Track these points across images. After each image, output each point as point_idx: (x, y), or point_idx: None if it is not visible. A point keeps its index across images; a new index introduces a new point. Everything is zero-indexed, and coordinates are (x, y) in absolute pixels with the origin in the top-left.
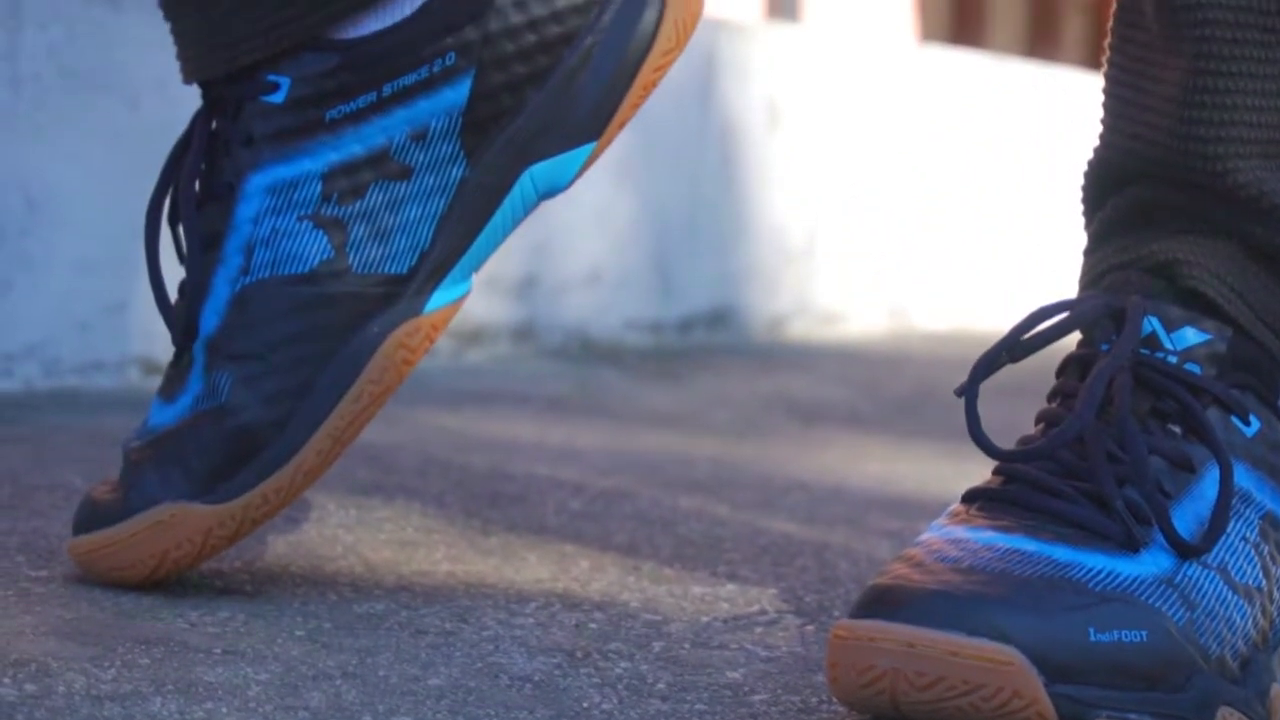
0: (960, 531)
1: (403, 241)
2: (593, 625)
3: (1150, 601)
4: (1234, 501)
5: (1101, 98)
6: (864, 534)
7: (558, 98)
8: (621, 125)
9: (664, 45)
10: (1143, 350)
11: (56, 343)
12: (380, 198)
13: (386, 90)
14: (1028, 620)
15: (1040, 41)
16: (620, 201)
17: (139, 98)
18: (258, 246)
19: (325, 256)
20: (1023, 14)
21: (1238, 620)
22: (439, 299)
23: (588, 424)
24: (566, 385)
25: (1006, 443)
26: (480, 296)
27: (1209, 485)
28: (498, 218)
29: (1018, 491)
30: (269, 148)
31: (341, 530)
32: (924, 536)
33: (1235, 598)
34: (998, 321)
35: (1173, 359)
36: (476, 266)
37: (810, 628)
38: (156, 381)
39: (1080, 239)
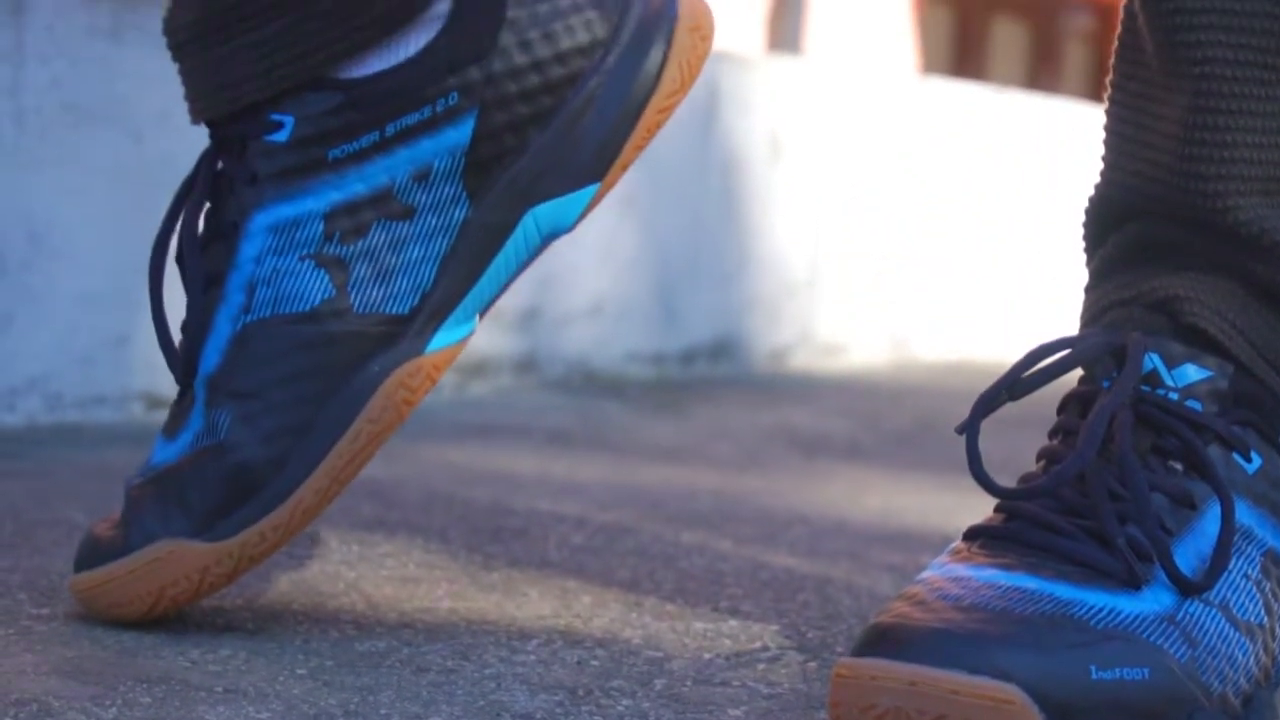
0: (962, 569)
1: (405, 282)
2: (595, 662)
3: (1152, 639)
4: (1236, 538)
5: (1103, 134)
6: (866, 568)
7: (561, 139)
8: (625, 167)
9: (669, 87)
10: (1144, 387)
11: (59, 377)
12: (382, 237)
13: (389, 130)
14: (1029, 658)
15: (1041, 73)
16: (622, 233)
17: (141, 132)
18: (259, 285)
19: (327, 295)
20: (1023, 46)
21: (1240, 657)
22: (441, 339)
23: (590, 457)
24: (569, 418)
25: (1009, 475)
26: (483, 329)
27: (1210, 522)
28: (501, 259)
29: (1019, 529)
30: (272, 186)
31: (344, 566)
32: (925, 574)
33: (1237, 635)
34: (1000, 352)
35: (1174, 396)
36: (481, 307)
37: (812, 664)
38: (159, 416)
39: (1080, 278)
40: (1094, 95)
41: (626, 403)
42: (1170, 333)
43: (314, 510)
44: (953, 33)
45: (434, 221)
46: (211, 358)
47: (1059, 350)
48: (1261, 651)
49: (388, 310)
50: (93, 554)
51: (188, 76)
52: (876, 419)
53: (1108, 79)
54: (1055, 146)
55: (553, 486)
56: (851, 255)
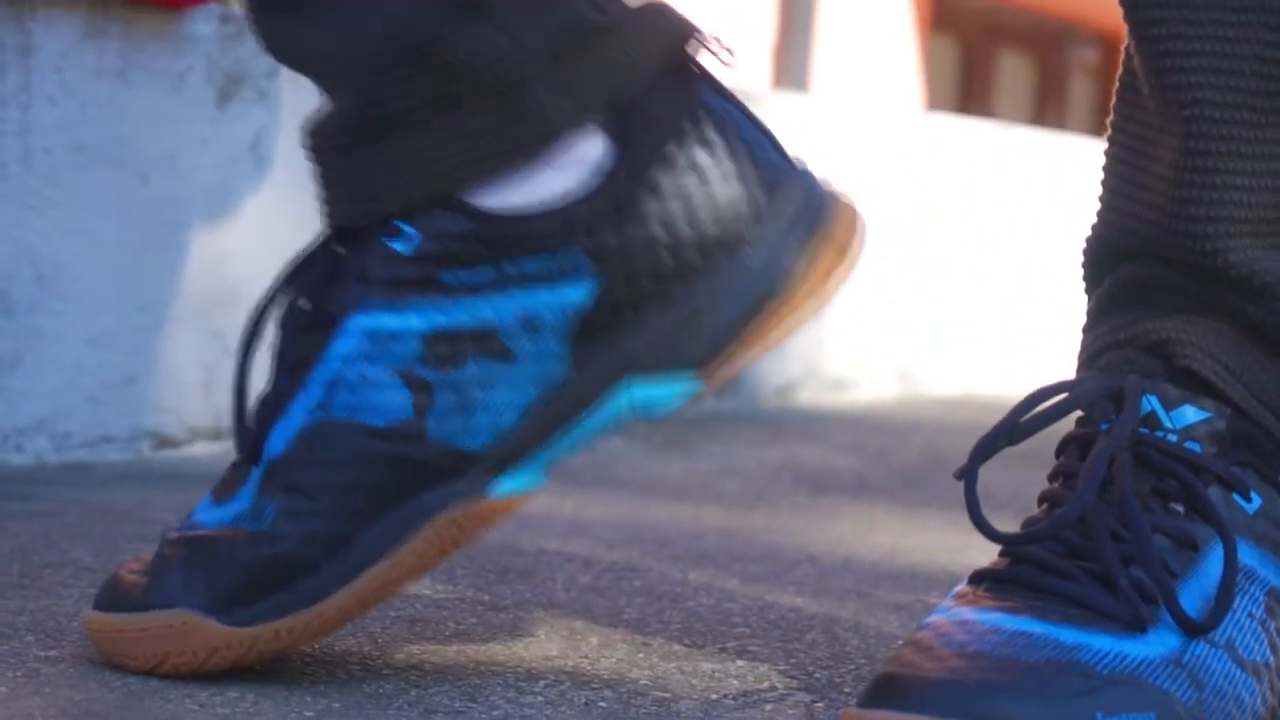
0: (967, 613)
1: (484, 420)
2: (602, 704)
3: (1158, 683)
4: (1239, 578)
5: (1101, 175)
6: (873, 607)
7: (679, 326)
8: (732, 372)
9: (788, 307)
10: (1142, 429)
11: (67, 417)
12: (475, 372)
13: (509, 270)
14: (1034, 707)
15: (1046, 107)
16: None
17: (148, 173)
18: (342, 386)
19: (405, 416)
20: (1029, 80)
21: (1246, 698)
22: (506, 485)
23: (597, 494)
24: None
25: (1014, 511)
26: None
27: (1213, 563)
28: (586, 423)
29: (1024, 572)
30: (381, 292)
31: None
32: (931, 619)
33: (1243, 675)
34: (1007, 386)
35: (1173, 438)
36: (552, 463)
37: (820, 705)
38: (167, 455)
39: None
40: (1100, 129)
41: (633, 439)
42: (1165, 375)
43: (333, 624)
44: (958, 67)
45: (530, 371)
46: (277, 443)
47: (1057, 394)
48: (1268, 691)
49: (460, 445)
50: (112, 597)
51: (326, 180)
52: (884, 455)
53: (1108, 120)
54: (1061, 182)
55: (560, 525)
56: (858, 290)
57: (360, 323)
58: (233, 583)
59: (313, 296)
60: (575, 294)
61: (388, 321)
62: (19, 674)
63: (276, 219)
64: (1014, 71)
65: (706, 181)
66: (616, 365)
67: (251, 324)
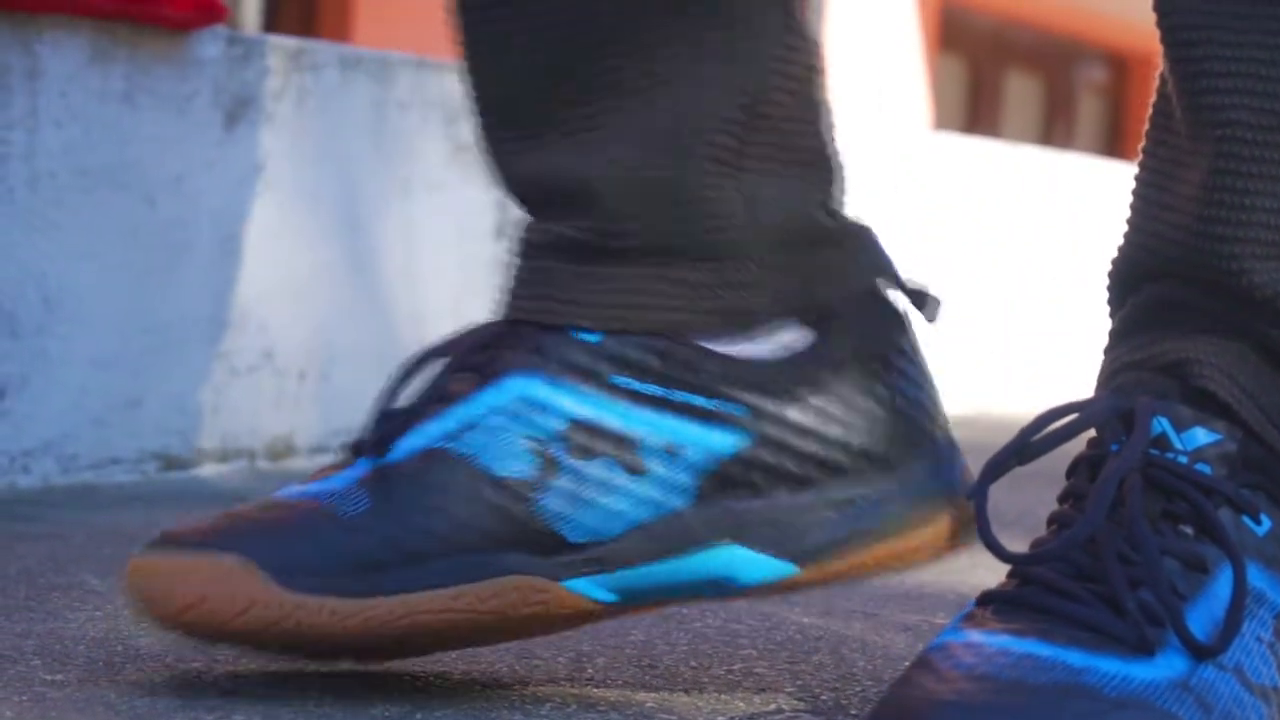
0: (975, 636)
1: (590, 519)
2: None
3: (1166, 706)
4: (1248, 601)
5: (1130, 199)
6: (880, 627)
7: (799, 514)
8: (832, 579)
9: (910, 544)
10: (1153, 451)
11: (73, 439)
12: (601, 473)
13: (673, 396)
14: None
15: (1055, 126)
16: None
17: (154, 196)
18: (477, 429)
19: (522, 477)
20: (1037, 99)
21: None
22: (581, 586)
23: None
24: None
25: (1023, 530)
26: None
27: (1222, 586)
28: (678, 565)
29: (1032, 594)
30: (547, 364)
31: None
32: (939, 641)
33: (1252, 699)
34: (1018, 408)
35: (1183, 459)
36: (627, 590)
37: None
38: (174, 476)
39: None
40: (1108, 147)
41: None
42: (1179, 396)
43: (376, 626)
44: (966, 86)
45: (652, 493)
46: (398, 451)
47: (1067, 414)
48: (1276, 714)
49: (560, 529)
50: (165, 539)
51: (529, 279)
52: None
53: (1140, 146)
54: (1072, 202)
55: None
56: None
57: (516, 383)
58: (298, 550)
59: (478, 352)
60: (723, 441)
61: (541, 392)
62: (25, 698)
63: (283, 241)
64: (1022, 90)
65: (881, 403)
66: (731, 523)
67: (406, 369)
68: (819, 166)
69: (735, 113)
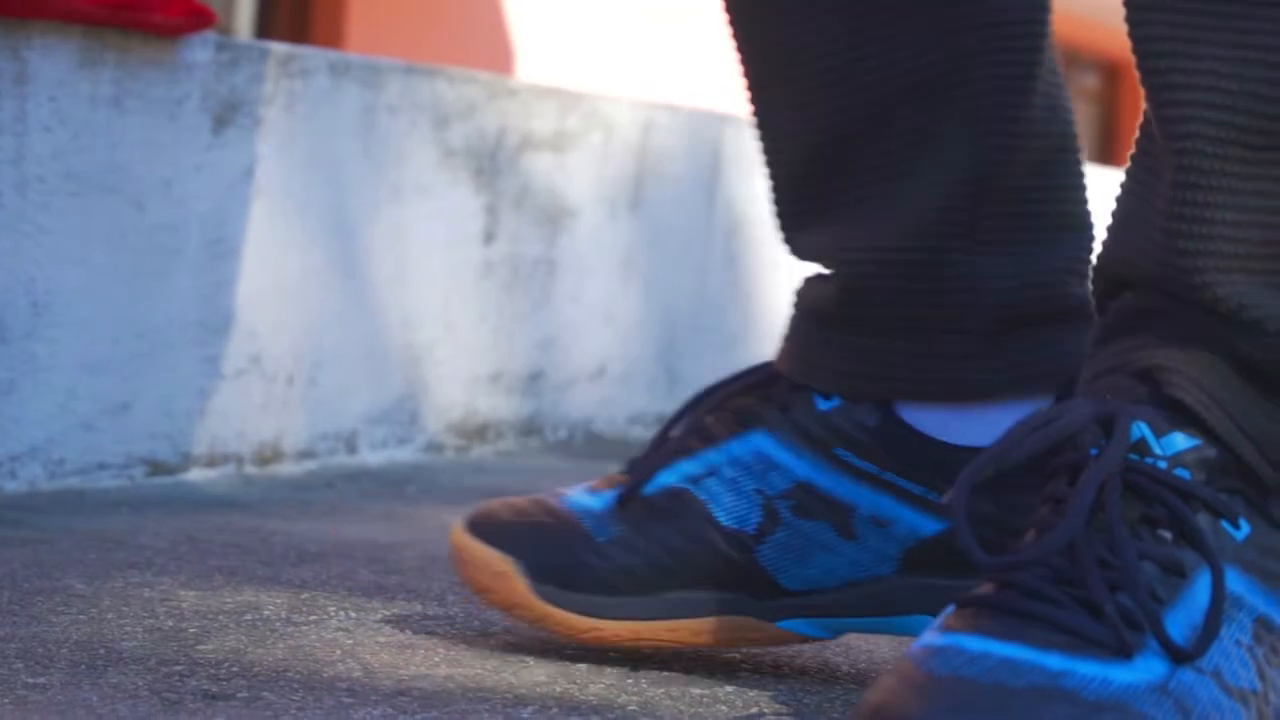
0: (954, 639)
1: (806, 571)
2: None
3: (1144, 709)
4: (1226, 606)
5: (1114, 205)
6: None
7: None
8: None
9: None
10: (1132, 456)
11: (61, 443)
12: (818, 533)
13: (887, 476)
14: None
15: None
16: (626, 296)
17: (143, 200)
18: (715, 478)
19: (747, 530)
20: None
21: None
22: (796, 625)
23: None
24: (572, 480)
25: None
26: (485, 391)
27: (1201, 590)
28: (888, 623)
29: (1010, 598)
30: (792, 429)
31: (341, 633)
32: (918, 645)
33: (1230, 702)
34: None
35: (1162, 464)
36: (842, 629)
37: None
38: (161, 482)
39: None
40: (1099, 154)
41: (623, 461)
42: (1153, 403)
43: (601, 643)
44: None
45: (863, 557)
46: (650, 486)
47: (1047, 421)
48: (1256, 718)
49: (778, 578)
50: (474, 520)
51: (791, 333)
52: None
53: (1129, 153)
54: None
55: None
56: None
57: (760, 440)
58: (553, 561)
59: (743, 395)
60: (928, 525)
61: (776, 453)
62: (7, 701)
63: (271, 246)
64: None
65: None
66: (928, 599)
67: (697, 396)
68: (1066, 234)
69: (961, 187)
